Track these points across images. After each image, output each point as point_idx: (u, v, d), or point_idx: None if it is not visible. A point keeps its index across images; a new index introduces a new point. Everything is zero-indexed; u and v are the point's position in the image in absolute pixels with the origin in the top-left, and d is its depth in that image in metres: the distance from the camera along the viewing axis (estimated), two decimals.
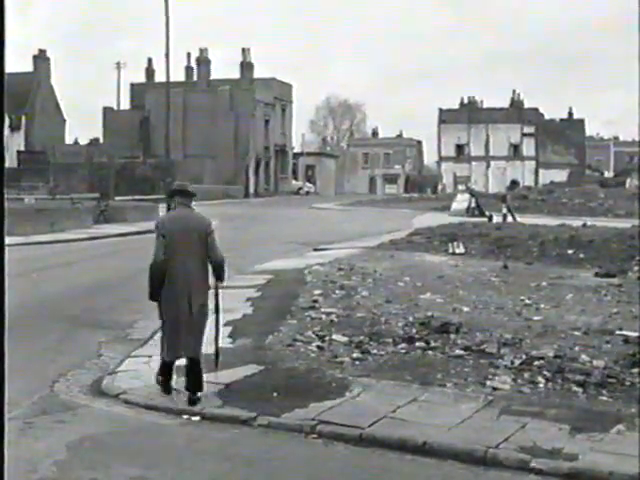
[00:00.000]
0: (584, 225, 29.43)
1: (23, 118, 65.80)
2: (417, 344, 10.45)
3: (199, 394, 8.39)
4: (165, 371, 8.78)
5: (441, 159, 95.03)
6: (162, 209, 39.22)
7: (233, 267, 17.36)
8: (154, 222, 9.66)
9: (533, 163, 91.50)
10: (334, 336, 10.91)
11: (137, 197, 46.15)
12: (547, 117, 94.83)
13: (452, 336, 10.83)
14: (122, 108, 79.24)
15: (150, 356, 10.20)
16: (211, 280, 8.88)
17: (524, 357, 9.66)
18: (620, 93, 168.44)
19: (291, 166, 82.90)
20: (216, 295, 8.94)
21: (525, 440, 6.93)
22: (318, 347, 10.38)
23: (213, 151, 67.76)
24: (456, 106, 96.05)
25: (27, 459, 6.57)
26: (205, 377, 8.89)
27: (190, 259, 8.61)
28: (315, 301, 13.77)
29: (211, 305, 8.90)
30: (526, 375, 9.00)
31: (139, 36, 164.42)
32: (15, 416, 7.52)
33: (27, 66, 67.12)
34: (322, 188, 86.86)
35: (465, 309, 13.28)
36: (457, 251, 22.79)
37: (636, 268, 18.70)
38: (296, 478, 6.66)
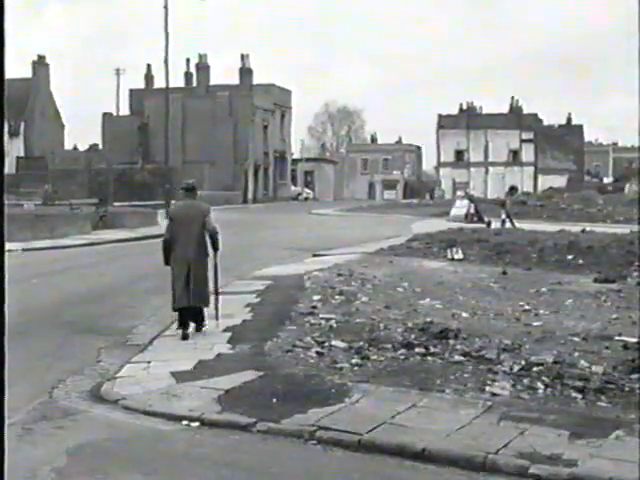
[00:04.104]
0: (583, 231, 29.44)
1: (22, 124, 65.85)
2: (416, 350, 10.44)
3: (202, 328, 11.85)
4: (180, 323, 11.76)
5: (440, 165, 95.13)
6: (161, 215, 39.40)
7: (232, 273, 17.41)
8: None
9: (532, 169, 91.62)
10: (333, 342, 10.91)
11: (136, 203, 46.16)
12: (546, 123, 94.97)
13: (451, 342, 10.82)
14: (121, 114, 79.29)
15: (149, 362, 10.22)
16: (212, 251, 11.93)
17: (523, 363, 9.65)
18: (619, 99, 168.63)
19: (290, 172, 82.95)
20: (215, 262, 12.08)
21: (524, 446, 6.93)
22: (317, 353, 10.37)
23: (212, 157, 67.79)
24: (455, 112, 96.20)
25: (26, 465, 6.57)
26: (204, 383, 8.95)
27: (189, 236, 11.70)
28: (314, 307, 13.77)
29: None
30: (525, 381, 9.00)
31: (138, 42, 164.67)
32: (14, 422, 7.51)
33: (26, 72, 67.25)
34: (321, 194, 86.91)
35: (464, 315, 13.28)
36: (456, 257, 22.78)
37: (635, 274, 18.71)
38: None
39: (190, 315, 11.85)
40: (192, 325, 11.90)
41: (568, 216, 44.50)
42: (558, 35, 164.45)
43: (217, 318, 12.22)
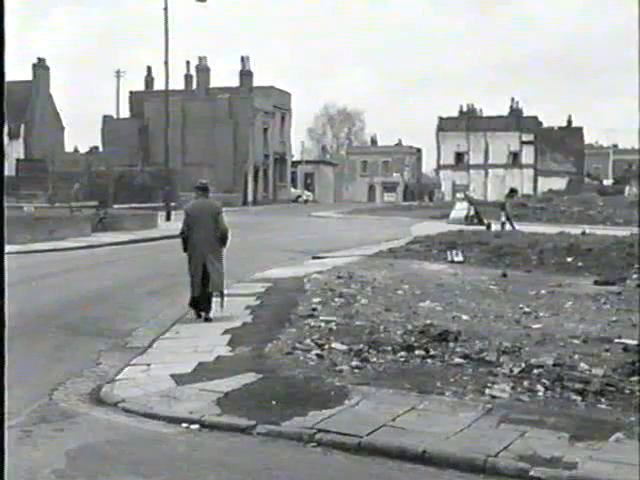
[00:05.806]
0: (583, 233, 29.43)
1: (22, 126, 65.82)
2: (416, 352, 10.44)
3: (210, 314, 13.14)
4: (193, 304, 13.31)
5: (440, 167, 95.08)
6: (161, 217, 39.39)
7: (232, 275, 17.41)
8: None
9: (532, 171, 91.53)
10: (333, 344, 10.90)
11: (136, 205, 46.13)
12: (546, 125, 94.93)
13: (451, 344, 10.82)
14: (121, 116, 79.37)
15: (149, 364, 10.22)
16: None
17: (523, 365, 9.65)
18: (620, 101, 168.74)
19: (290, 174, 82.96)
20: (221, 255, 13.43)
21: (524, 448, 6.92)
22: (317, 355, 10.37)
23: (212, 159, 67.80)
24: (455, 114, 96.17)
25: (26, 468, 6.57)
26: (204, 385, 8.95)
27: (204, 230, 13.19)
28: (314, 309, 13.76)
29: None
30: (525, 383, 9.00)
31: (138, 44, 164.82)
32: (14, 424, 7.51)
33: (26, 75, 67.21)
34: (321, 196, 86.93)
35: (464, 317, 13.28)
36: (456, 259, 22.77)
37: (635, 276, 18.71)
38: None
39: (205, 303, 13.26)
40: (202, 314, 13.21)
41: (568, 218, 44.52)
42: (558, 37, 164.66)
43: (222, 306, 13.53)
